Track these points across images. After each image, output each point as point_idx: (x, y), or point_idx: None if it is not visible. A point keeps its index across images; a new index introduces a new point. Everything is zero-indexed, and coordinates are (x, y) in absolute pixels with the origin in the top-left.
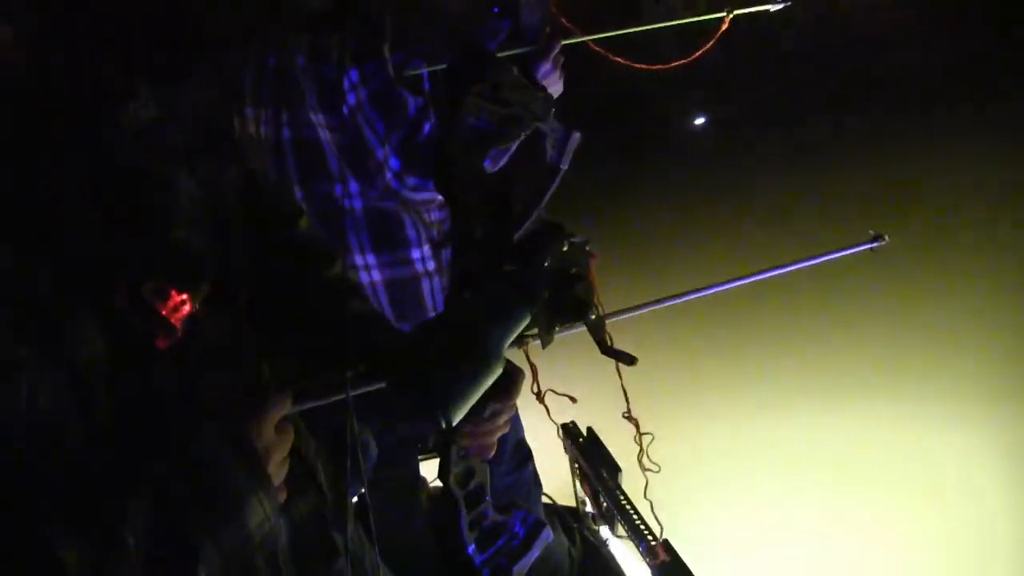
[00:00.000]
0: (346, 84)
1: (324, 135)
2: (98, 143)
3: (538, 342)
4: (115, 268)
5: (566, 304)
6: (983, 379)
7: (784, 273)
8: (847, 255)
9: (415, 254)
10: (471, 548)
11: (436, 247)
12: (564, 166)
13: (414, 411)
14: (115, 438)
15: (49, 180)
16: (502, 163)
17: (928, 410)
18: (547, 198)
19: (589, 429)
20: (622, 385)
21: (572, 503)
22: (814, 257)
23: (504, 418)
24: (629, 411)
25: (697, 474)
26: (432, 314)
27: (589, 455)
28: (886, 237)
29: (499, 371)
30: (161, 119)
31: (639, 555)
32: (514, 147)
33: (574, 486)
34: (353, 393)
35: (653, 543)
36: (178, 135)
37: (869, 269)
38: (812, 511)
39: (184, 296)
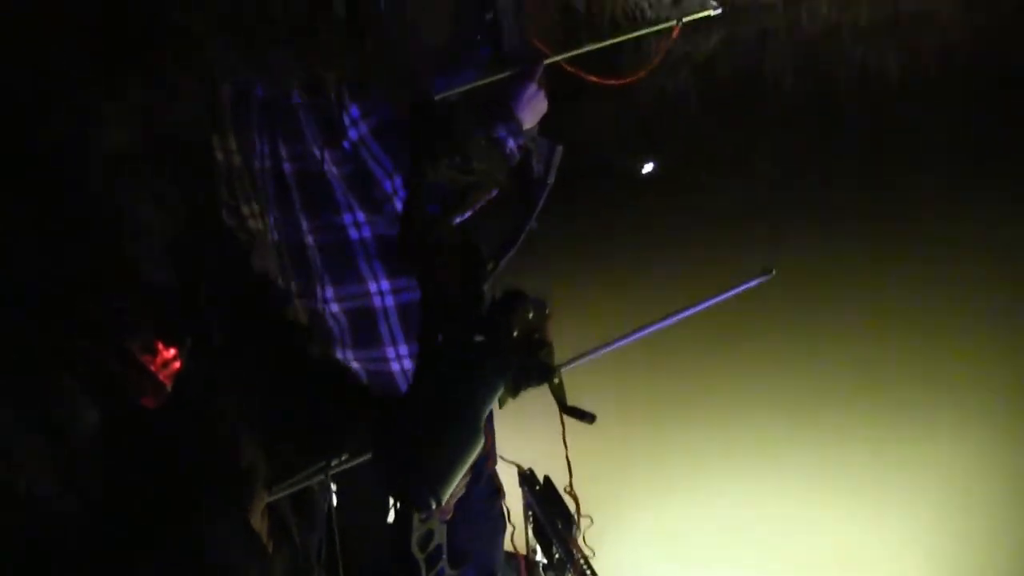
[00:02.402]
0: (346, 120)
1: (328, 168)
2: (65, 178)
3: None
4: (97, 324)
5: (532, 369)
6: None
7: (694, 313)
8: (741, 291)
9: None
10: None
11: None
12: (551, 180)
13: (403, 493)
14: (112, 516)
15: (12, 228)
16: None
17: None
18: (537, 211)
19: (546, 478)
20: (567, 457)
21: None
22: (707, 300)
23: (465, 481)
24: (571, 486)
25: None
26: None
27: (545, 504)
28: (773, 271)
29: (481, 443)
30: (134, 145)
31: None
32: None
33: (526, 533)
34: (333, 472)
35: None
36: (148, 163)
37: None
38: None
39: (172, 351)
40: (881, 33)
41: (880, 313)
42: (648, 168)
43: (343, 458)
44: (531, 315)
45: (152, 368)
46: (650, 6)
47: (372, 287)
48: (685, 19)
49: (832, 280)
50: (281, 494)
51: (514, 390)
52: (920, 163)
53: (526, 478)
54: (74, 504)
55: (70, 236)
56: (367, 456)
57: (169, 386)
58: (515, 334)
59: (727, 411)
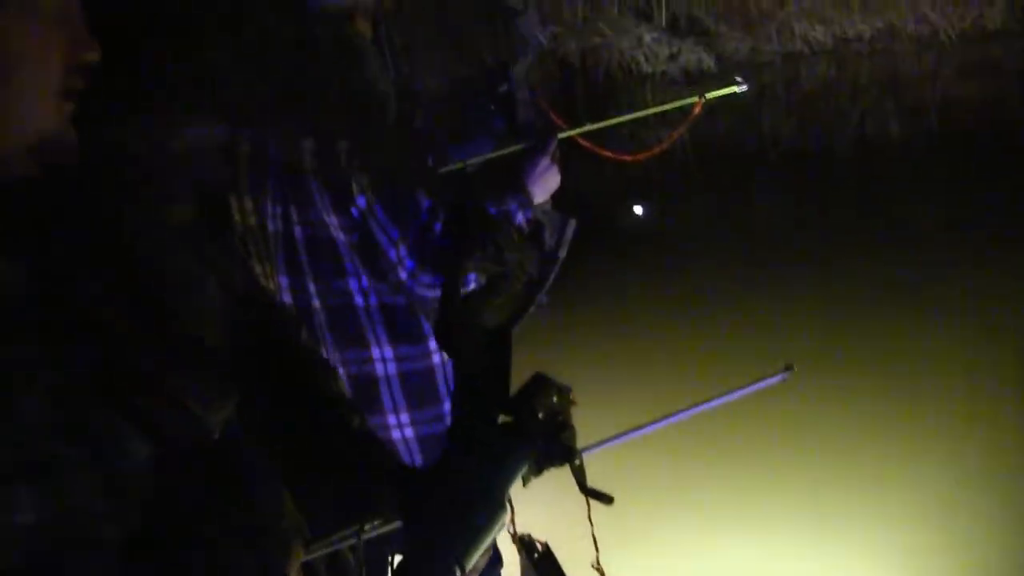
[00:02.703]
0: (355, 187)
1: (337, 235)
2: (137, 237)
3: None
4: (156, 373)
5: (555, 450)
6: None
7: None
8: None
9: (432, 345)
10: None
11: None
12: (562, 254)
13: (428, 562)
14: (148, 552)
15: (89, 277)
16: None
17: None
18: (548, 285)
19: (545, 545)
20: (592, 534)
21: None
22: (728, 393)
23: (487, 557)
24: (598, 562)
25: None
26: (446, 402)
27: (543, 572)
28: (794, 367)
29: (505, 518)
30: (198, 218)
31: None
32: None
33: None
34: (366, 536)
35: None
36: (207, 233)
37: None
38: None
39: (223, 404)
40: (881, 90)
41: (887, 370)
42: (639, 211)
43: (376, 523)
44: (555, 399)
45: (199, 413)
46: (646, 59)
47: (376, 353)
48: (708, 95)
49: (842, 364)
50: (316, 554)
51: (537, 470)
52: (919, 222)
53: (525, 544)
54: (115, 532)
55: (141, 291)
56: (399, 523)
57: (217, 433)
58: (540, 416)
59: (743, 485)
